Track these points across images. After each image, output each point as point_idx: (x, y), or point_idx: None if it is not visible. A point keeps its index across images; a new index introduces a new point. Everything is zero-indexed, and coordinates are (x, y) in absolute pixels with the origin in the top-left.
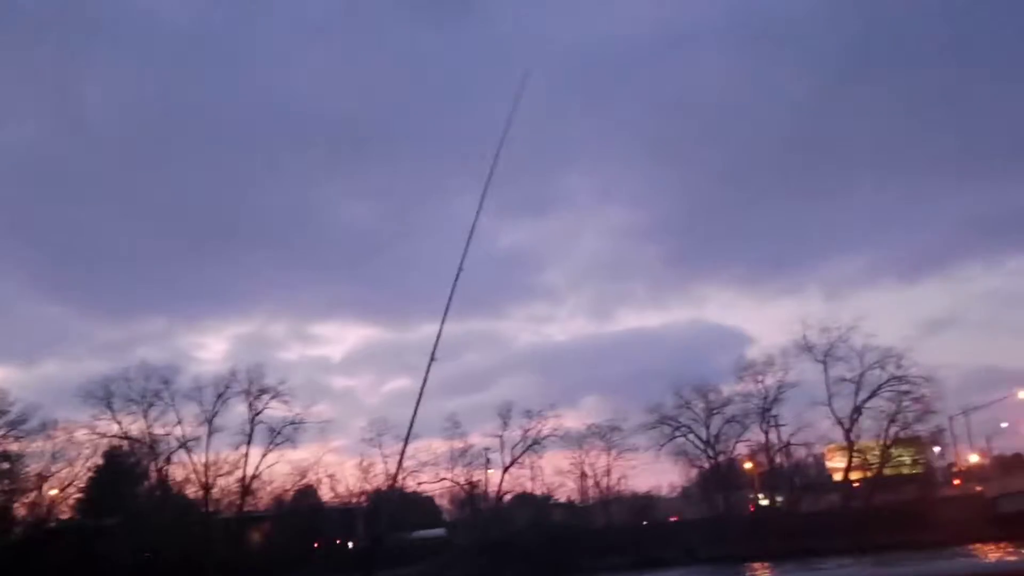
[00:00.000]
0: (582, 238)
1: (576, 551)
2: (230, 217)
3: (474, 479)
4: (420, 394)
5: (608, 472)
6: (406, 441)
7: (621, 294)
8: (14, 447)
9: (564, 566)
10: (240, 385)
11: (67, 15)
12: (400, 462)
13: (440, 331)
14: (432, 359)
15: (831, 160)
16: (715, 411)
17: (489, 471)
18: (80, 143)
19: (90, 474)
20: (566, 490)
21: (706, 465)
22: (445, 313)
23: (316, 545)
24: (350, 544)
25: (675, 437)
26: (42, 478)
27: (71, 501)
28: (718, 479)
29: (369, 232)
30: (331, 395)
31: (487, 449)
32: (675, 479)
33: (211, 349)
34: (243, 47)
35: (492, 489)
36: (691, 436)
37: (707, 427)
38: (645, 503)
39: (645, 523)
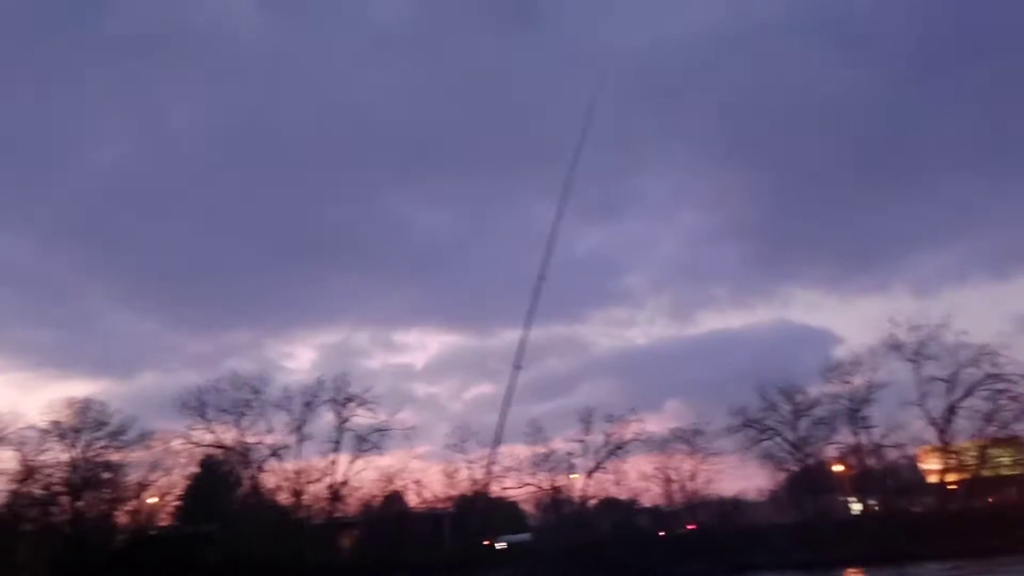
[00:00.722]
0: (660, 241)
1: (662, 556)
2: (312, 230)
3: (557, 484)
4: (506, 402)
5: (693, 476)
6: (495, 447)
7: (702, 296)
8: (115, 457)
9: (649, 571)
10: (327, 394)
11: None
12: (489, 468)
13: (523, 340)
14: (517, 367)
15: (914, 154)
16: (802, 413)
17: (572, 476)
18: (168, 162)
19: (187, 482)
20: (650, 495)
21: (794, 468)
22: (528, 321)
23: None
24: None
25: (761, 440)
26: (142, 486)
27: (169, 508)
28: (807, 482)
29: (446, 240)
30: (415, 402)
31: (570, 454)
32: (762, 483)
33: (298, 359)
34: (318, 63)
35: (576, 494)
36: (778, 439)
37: (794, 429)
38: (732, 507)
39: (732, 528)
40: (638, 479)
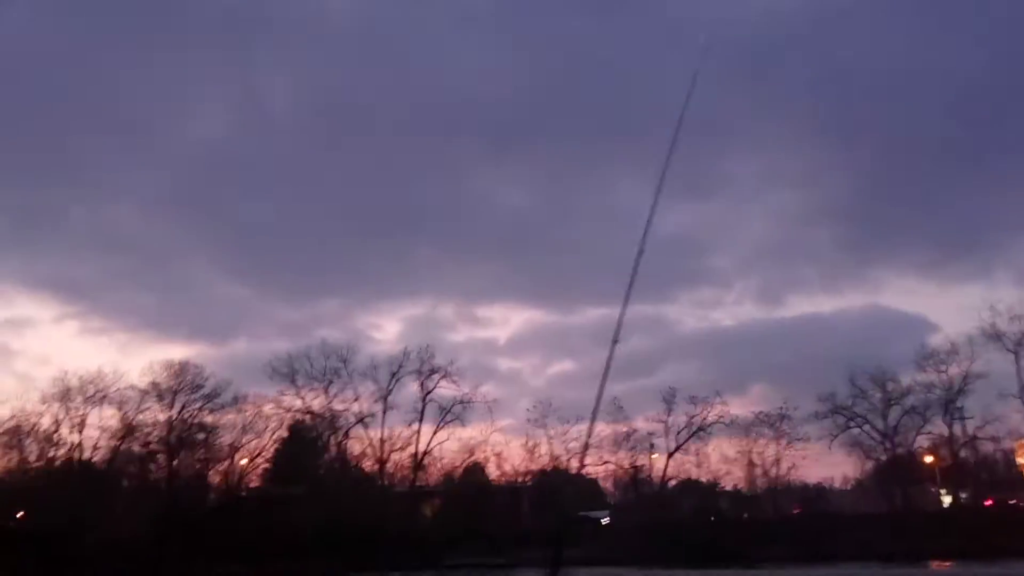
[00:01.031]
0: (749, 222)
1: (742, 540)
2: (400, 205)
3: (638, 463)
4: (604, 376)
5: (777, 462)
6: (592, 423)
7: (791, 279)
8: (209, 419)
9: (729, 555)
10: (412, 365)
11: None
12: (586, 443)
13: (622, 313)
14: (615, 341)
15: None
16: (893, 402)
17: (653, 456)
18: (264, 136)
19: (276, 446)
20: (732, 478)
21: (883, 458)
22: (627, 294)
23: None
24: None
25: (849, 428)
26: (233, 449)
27: (259, 471)
28: (896, 472)
29: (532, 216)
30: (497, 376)
31: (651, 434)
32: (848, 471)
33: (385, 330)
34: (409, 41)
35: (656, 474)
36: (866, 427)
37: (884, 418)
38: (816, 494)
39: (815, 515)
40: (720, 462)
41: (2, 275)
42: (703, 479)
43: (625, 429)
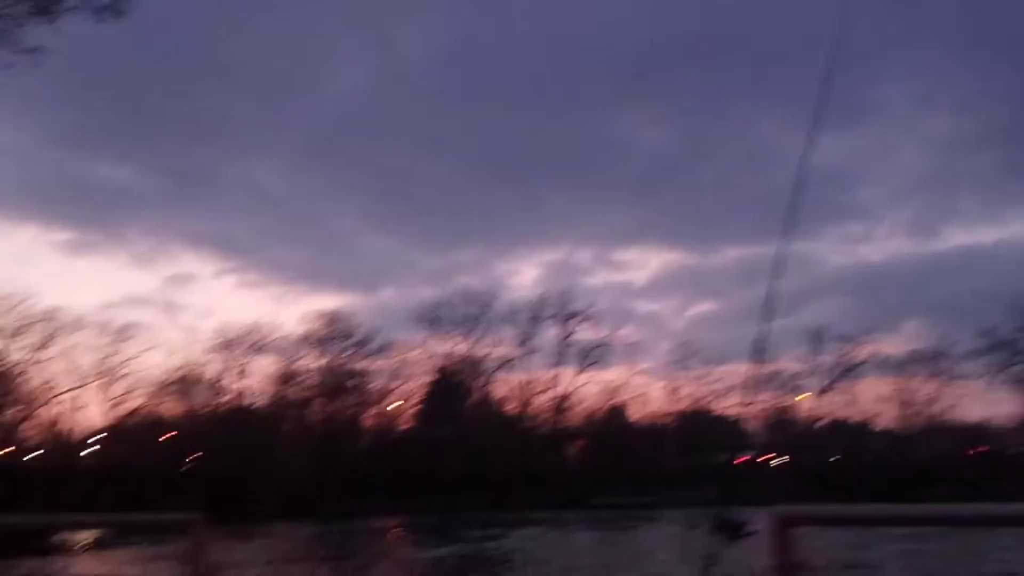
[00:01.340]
0: (901, 151)
1: (895, 481)
2: (536, 151)
3: (784, 404)
4: (767, 309)
5: (932, 400)
6: (757, 360)
7: (946, 210)
8: (360, 365)
9: (882, 496)
10: (551, 309)
11: None
12: (754, 383)
13: (781, 247)
14: (776, 277)
15: None
16: None
17: (800, 397)
18: (400, 88)
19: (424, 390)
20: (884, 418)
21: None
22: (786, 228)
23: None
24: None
25: (1012, 364)
26: (384, 393)
27: (409, 414)
28: None
29: (669, 157)
30: (636, 319)
31: (797, 374)
32: (1011, 409)
33: (523, 276)
34: None
35: (803, 415)
36: None
37: None
38: (975, 434)
39: (979, 455)
40: (871, 402)
41: (169, 233)
42: (853, 419)
43: (770, 370)
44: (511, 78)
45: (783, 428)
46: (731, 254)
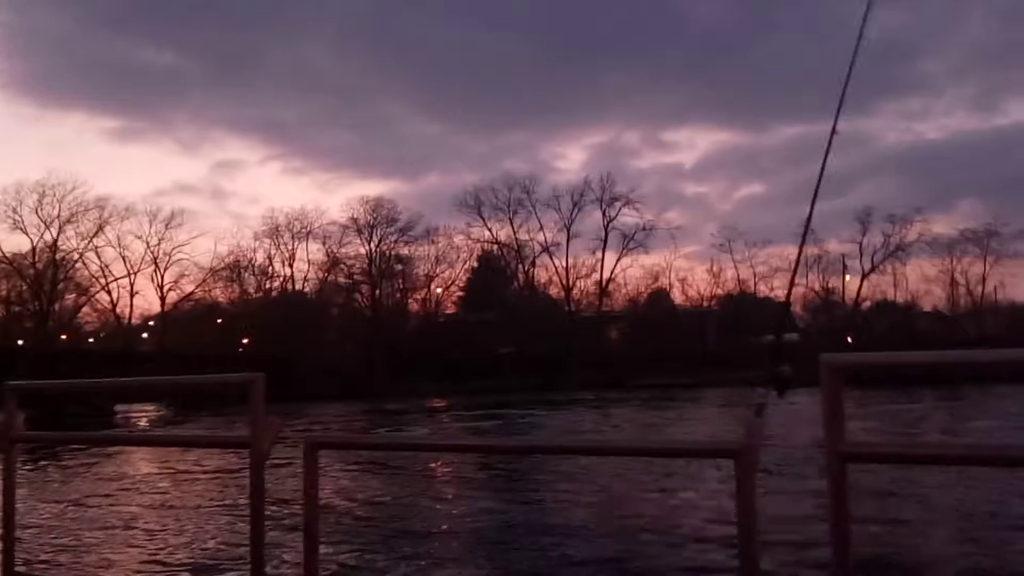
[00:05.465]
0: (966, 20)
1: None
2: (585, 28)
3: (830, 286)
4: (821, 174)
5: (983, 280)
6: (807, 224)
7: (1011, 82)
8: (404, 251)
9: (930, 376)
10: (594, 193)
11: None
12: (795, 266)
13: (842, 96)
14: (834, 132)
15: None
16: None
17: (847, 279)
18: None
19: (468, 275)
20: (932, 299)
21: None
22: (847, 75)
23: None
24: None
25: None
26: (429, 278)
27: (453, 298)
28: None
29: (722, 33)
30: (683, 202)
31: (844, 255)
32: None
33: (569, 159)
34: None
35: (850, 297)
36: None
37: None
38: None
39: None
40: (920, 282)
41: (215, 120)
42: (900, 300)
43: (817, 251)
44: None
45: (828, 309)
46: (784, 133)
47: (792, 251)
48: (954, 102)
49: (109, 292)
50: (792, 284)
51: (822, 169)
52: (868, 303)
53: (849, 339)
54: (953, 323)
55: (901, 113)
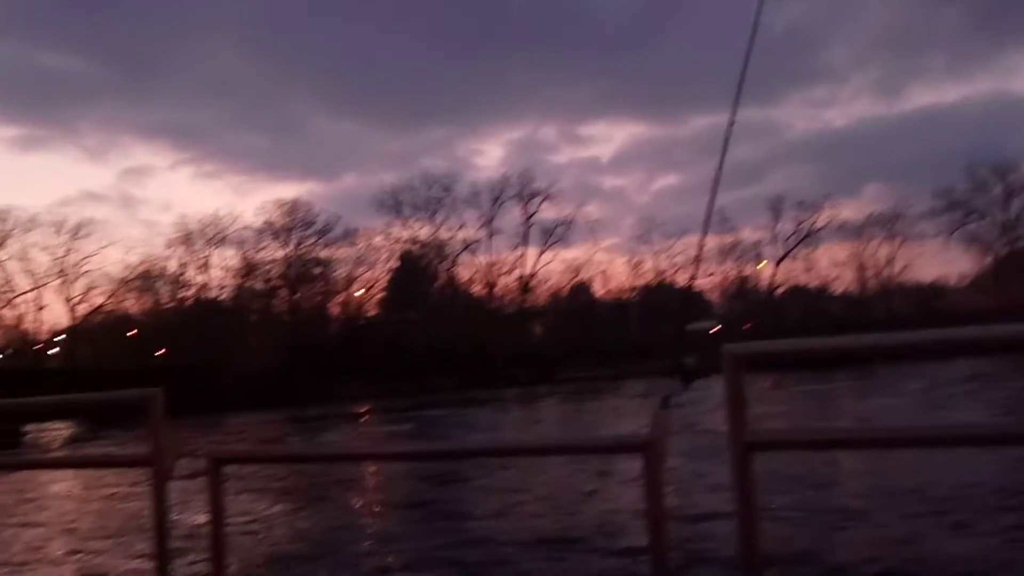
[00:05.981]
0: (868, 7)
1: None
2: (498, 24)
3: (744, 273)
4: (720, 163)
5: (890, 262)
6: (704, 230)
7: (912, 68)
8: (323, 254)
9: (843, 358)
10: (513, 189)
11: None
12: (698, 255)
13: (740, 85)
14: (731, 123)
15: None
16: (1016, 193)
17: (760, 266)
18: None
19: (389, 275)
20: (843, 282)
21: (1003, 252)
22: (745, 62)
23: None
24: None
25: (966, 223)
26: (349, 280)
27: (375, 300)
28: (1017, 267)
29: (633, 25)
30: (601, 195)
31: (758, 243)
32: (965, 268)
33: (488, 156)
34: None
35: (763, 283)
36: (985, 221)
37: (1005, 210)
38: (930, 294)
39: (930, 314)
40: (830, 267)
41: (122, 125)
42: (812, 285)
43: (731, 240)
44: None
45: (743, 296)
46: (696, 123)
47: (709, 241)
48: (858, 89)
49: (15, 307)
50: (695, 275)
51: (722, 159)
52: (782, 289)
53: (748, 326)
54: (863, 305)
55: (807, 101)
